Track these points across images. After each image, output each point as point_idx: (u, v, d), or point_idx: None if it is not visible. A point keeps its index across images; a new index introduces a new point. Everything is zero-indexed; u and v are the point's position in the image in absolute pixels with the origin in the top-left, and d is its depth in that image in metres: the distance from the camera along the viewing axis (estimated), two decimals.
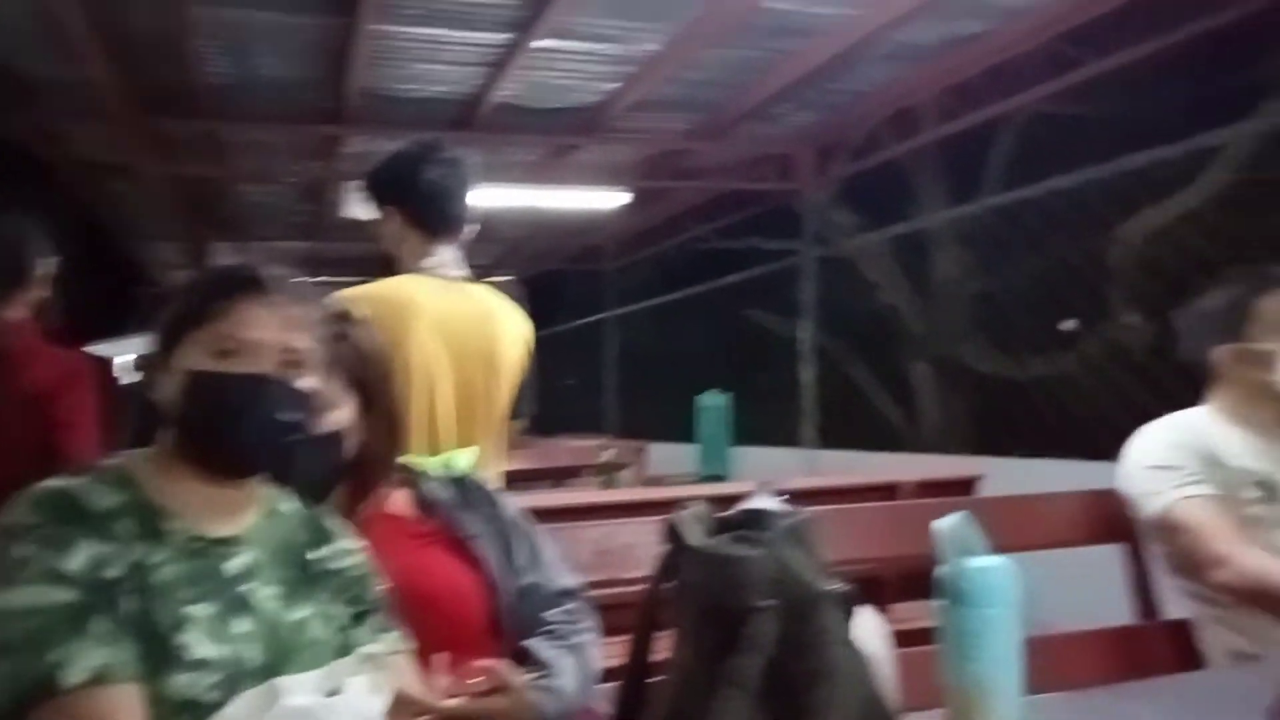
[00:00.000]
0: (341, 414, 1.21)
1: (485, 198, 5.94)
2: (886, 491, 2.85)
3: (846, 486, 2.88)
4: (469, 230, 1.95)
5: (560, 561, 1.32)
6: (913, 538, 1.29)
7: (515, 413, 1.97)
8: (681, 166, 6.69)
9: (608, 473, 4.50)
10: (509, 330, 1.94)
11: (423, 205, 1.87)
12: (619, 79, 4.87)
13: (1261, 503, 1.68)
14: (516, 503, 1.35)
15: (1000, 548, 1.97)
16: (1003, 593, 0.84)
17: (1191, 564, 1.65)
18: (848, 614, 0.79)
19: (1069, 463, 3.86)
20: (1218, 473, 1.69)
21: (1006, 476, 2.79)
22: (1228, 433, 1.76)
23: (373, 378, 1.26)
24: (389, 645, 1.06)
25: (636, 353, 9.39)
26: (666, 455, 6.42)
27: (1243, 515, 1.67)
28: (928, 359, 6.08)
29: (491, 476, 1.87)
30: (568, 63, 4.63)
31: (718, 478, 6.05)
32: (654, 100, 5.17)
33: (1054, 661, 1.57)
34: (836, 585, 0.73)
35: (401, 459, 1.32)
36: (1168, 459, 1.72)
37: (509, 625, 1.23)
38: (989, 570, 0.84)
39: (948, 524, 0.86)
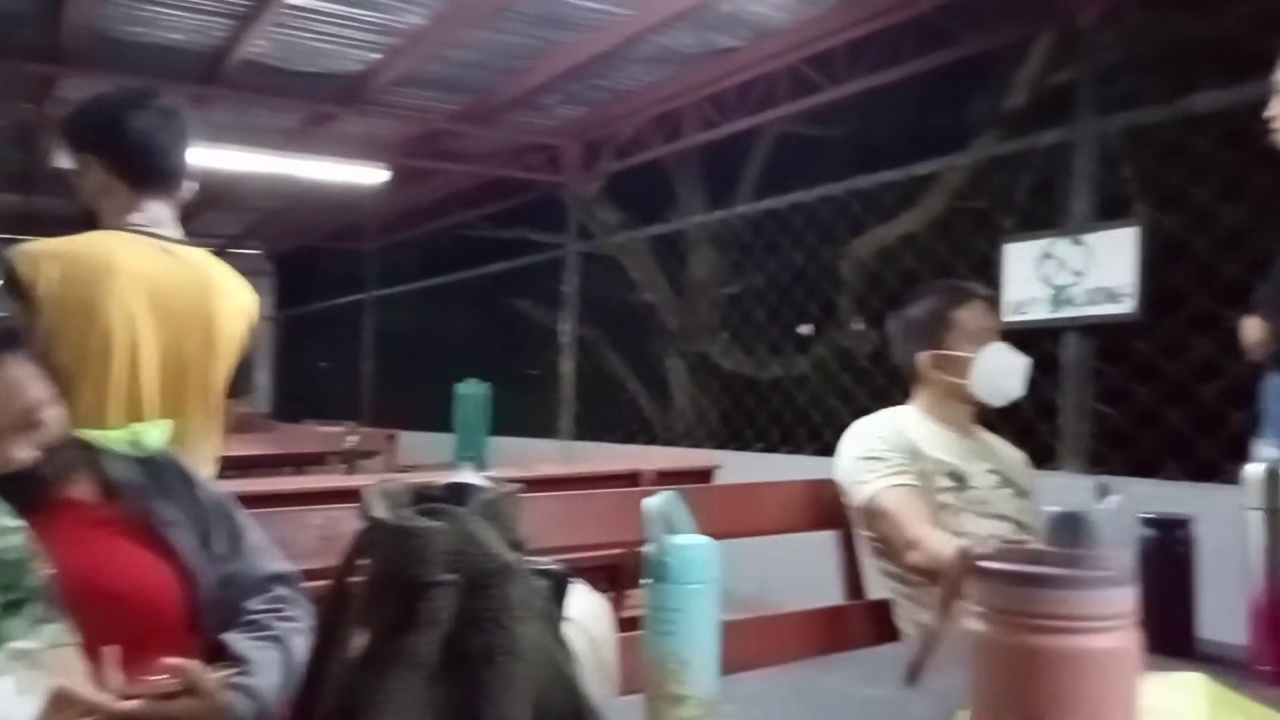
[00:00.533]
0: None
1: (231, 160, 5.54)
2: (629, 479, 2.91)
3: (591, 474, 2.91)
4: (187, 188, 1.78)
5: (268, 547, 1.22)
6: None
7: (235, 391, 1.82)
8: (447, 148, 6.54)
9: (352, 460, 4.30)
10: (229, 301, 1.79)
11: (129, 156, 1.68)
12: (381, 50, 4.68)
13: (952, 491, 1.86)
14: (218, 484, 1.24)
15: (728, 532, 2.05)
16: (701, 569, 0.85)
17: (890, 547, 1.80)
18: (556, 594, 0.77)
19: (801, 457, 4.13)
20: (917, 464, 1.86)
21: (744, 468, 2.94)
22: (927, 428, 1.94)
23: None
24: (48, 639, 0.93)
25: (396, 337, 9.08)
26: (423, 444, 6.24)
27: (936, 502, 1.84)
28: (681, 355, 6.31)
29: (204, 457, 1.72)
30: (325, 25, 4.39)
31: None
32: (419, 76, 5.02)
33: (766, 641, 1.65)
34: (534, 562, 0.71)
35: (82, 433, 1.17)
36: (875, 451, 1.87)
37: (208, 619, 1.13)
38: (689, 547, 0.85)
39: (654, 503, 0.87)
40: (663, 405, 6.60)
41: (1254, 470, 1.21)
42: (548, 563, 0.78)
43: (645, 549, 0.86)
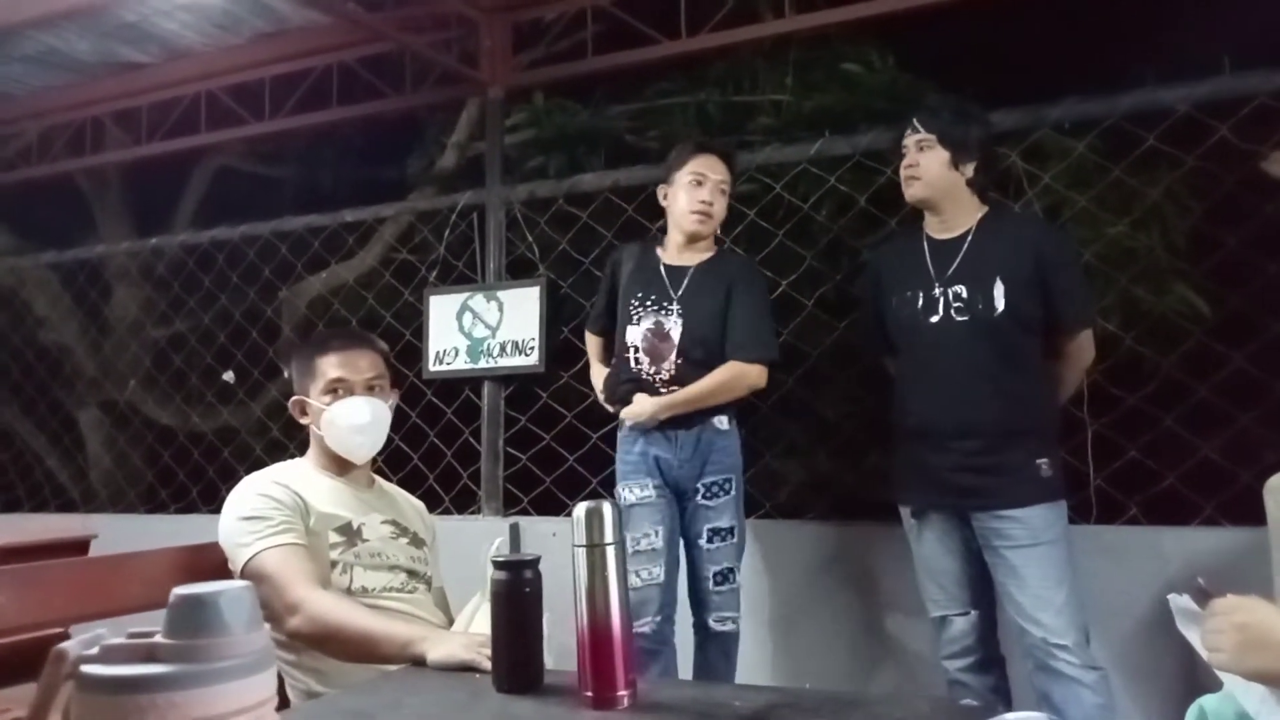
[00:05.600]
0: None
1: None
2: None
3: None
4: None
5: None
6: None
7: None
8: None
9: None
10: None
11: None
12: None
13: (342, 547, 1.82)
14: None
15: (88, 614, 1.76)
16: None
17: (272, 612, 1.71)
18: None
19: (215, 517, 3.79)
20: (304, 521, 1.79)
21: (143, 533, 2.60)
22: (318, 481, 1.88)
23: None
24: None
25: None
26: None
27: (326, 559, 1.79)
28: (101, 405, 5.49)
29: None
30: None
31: None
32: None
33: None
34: None
35: None
36: (258, 509, 1.76)
37: None
38: None
39: None
40: (76, 465, 5.67)
41: (579, 509, 1.35)
42: None
43: None
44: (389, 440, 2.01)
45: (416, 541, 1.96)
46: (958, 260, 2.39)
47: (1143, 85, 2.71)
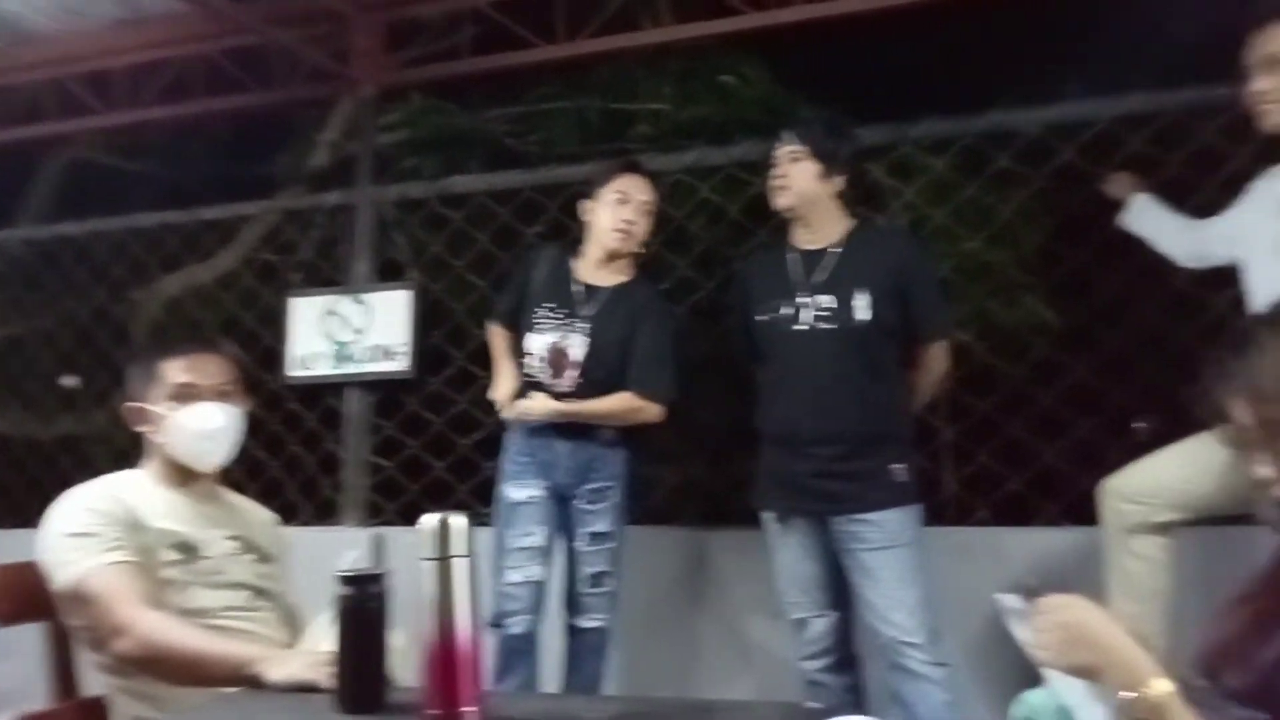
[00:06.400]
0: None
1: None
2: None
3: None
4: None
5: None
6: None
7: None
8: None
9: None
10: None
11: None
12: None
13: (179, 564, 1.71)
14: None
15: None
16: None
17: (100, 635, 1.60)
18: None
19: None
20: (138, 536, 1.68)
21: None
22: (154, 494, 1.77)
23: None
24: None
25: None
26: None
27: (160, 578, 1.69)
28: None
29: None
30: None
31: None
32: None
33: None
34: None
35: None
36: (86, 526, 1.65)
37: None
38: None
39: None
40: None
41: (428, 521, 1.31)
42: None
43: None
44: (242, 450, 1.92)
45: (264, 557, 1.86)
46: (824, 270, 2.45)
47: (995, 107, 2.84)
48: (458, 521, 1.28)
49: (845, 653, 2.48)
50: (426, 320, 3.27)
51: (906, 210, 3.04)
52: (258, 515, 1.98)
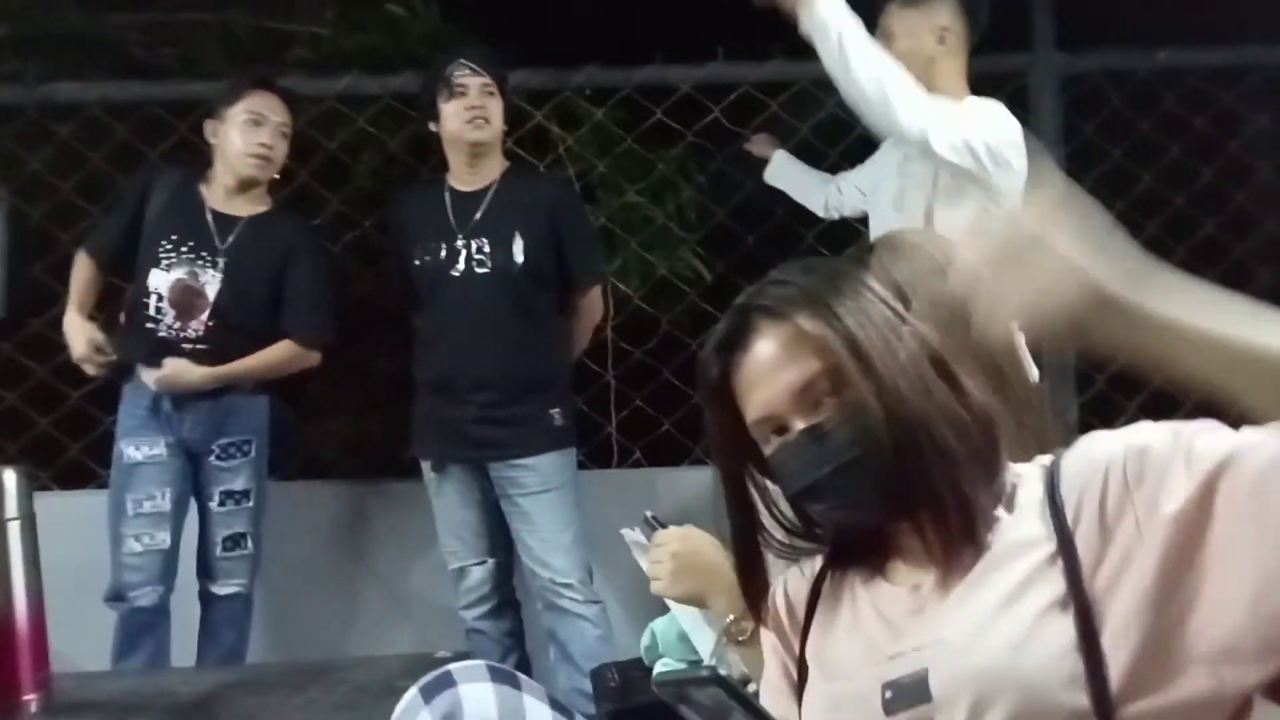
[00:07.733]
0: None
1: None
2: None
3: None
4: None
5: None
6: None
7: None
8: None
9: None
10: None
11: None
12: None
13: None
14: None
15: None
16: None
17: None
18: None
19: None
20: None
21: None
22: None
23: None
24: None
25: None
26: None
27: None
28: None
29: None
30: None
31: None
32: None
33: None
34: None
35: None
36: None
37: None
38: None
39: None
40: None
41: None
42: None
43: None
44: None
45: None
46: (479, 213, 2.39)
47: (653, 62, 2.91)
48: (7, 478, 1.09)
49: (504, 598, 2.49)
50: (25, 251, 2.79)
51: (575, 161, 3.05)
52: None
